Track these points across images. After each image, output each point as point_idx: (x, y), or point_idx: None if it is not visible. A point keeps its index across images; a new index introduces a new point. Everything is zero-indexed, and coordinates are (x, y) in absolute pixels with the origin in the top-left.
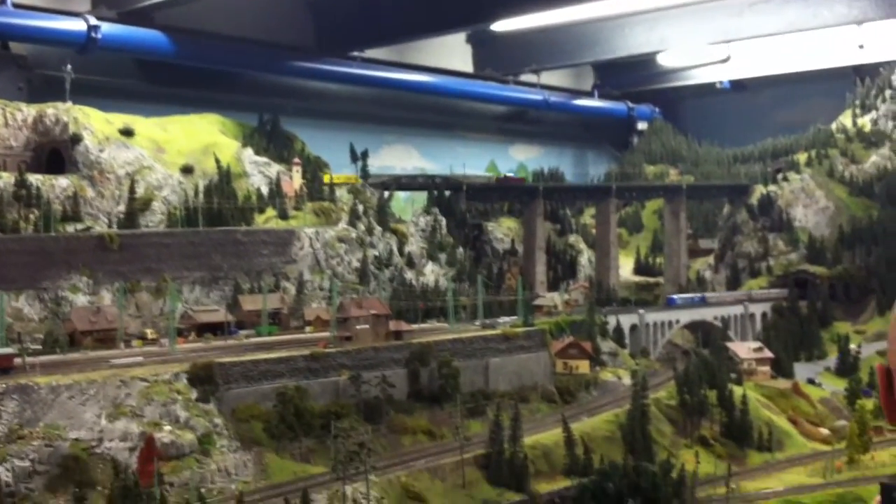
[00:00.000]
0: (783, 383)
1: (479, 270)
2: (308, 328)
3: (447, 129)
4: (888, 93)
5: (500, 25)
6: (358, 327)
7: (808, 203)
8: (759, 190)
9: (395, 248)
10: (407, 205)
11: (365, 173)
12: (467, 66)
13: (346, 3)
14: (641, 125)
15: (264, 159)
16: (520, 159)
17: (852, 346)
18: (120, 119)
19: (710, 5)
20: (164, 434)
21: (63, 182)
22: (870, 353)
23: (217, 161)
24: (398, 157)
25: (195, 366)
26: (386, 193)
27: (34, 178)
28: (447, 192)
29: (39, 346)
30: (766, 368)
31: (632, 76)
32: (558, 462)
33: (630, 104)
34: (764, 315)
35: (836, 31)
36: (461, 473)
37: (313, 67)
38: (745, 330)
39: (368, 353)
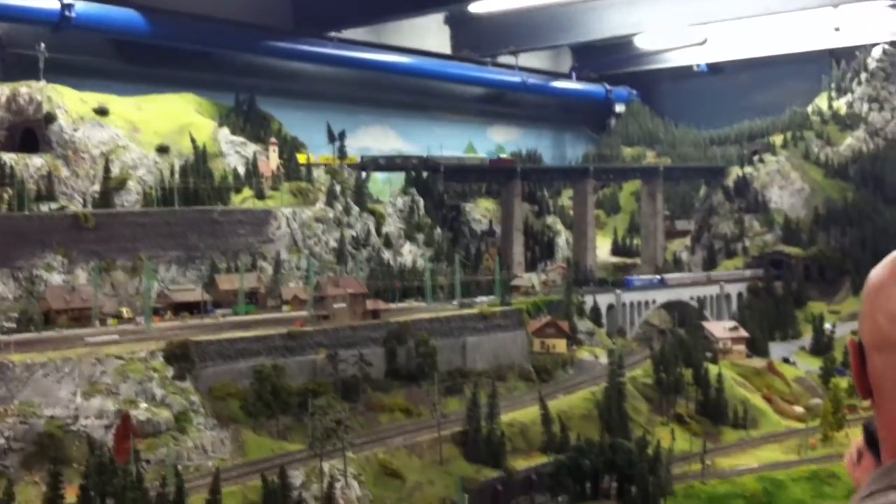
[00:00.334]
0: (758, 362)
1: (457, 251)
2: (285, 307)
3: (425, 111)
4: (863, 76)
5: (478, 6)
6: (335, 306)
7: (784, 185)
8: (736, 172)
9: (372, 229)
10: (385, 186)
11: (342, 154)
12: (445, 47)
13: None
14: (619, 107)
15: (240, 139)
16: (498, 141)
17: (827, 325)
18: (95, 98)
19: None
20: (140, 411)
21: (37, 161)
22: (844, 332)
23: (193, 141)
24: (375, 138)
25: (171, 344)
26: (363, 174)
27: (8, 158)
28: (425, 174)
29: (14, 325)
30: (742, 348)
31: (609, 59)
32: (535, 439)
33: (608, 87)
34: (740, 295)
35: (812, 13)
36: (438, 450)
37: (290, 48)
38: (721, 310)
39: (346, 332)
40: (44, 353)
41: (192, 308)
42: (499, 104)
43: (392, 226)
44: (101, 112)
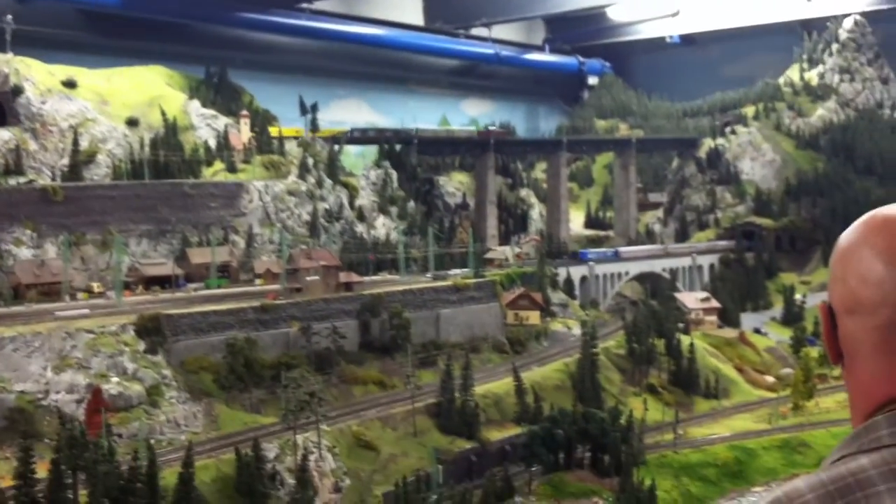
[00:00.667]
0: (730, 332)
1: (431, 224)
2: (258, 281)
3: (399, 83)
4: (835, 47)
5: None
6: (308, 279)
7: (756, 156)
8: (708, 143)
9: (345, 202)
10: (357, 159)
11: (314, 126)
12: (418, 18)
13: None
14: (592, 80)
15: (211, 112)
16: (472, 114)
17: (797, 296)
18: (63, 71)
19: None
20: (112, 385)
21: (4, 135)
22: (815, 302)
23: (163, 113)
24: (349, 111)
25: (142, 318)
26: (336, 147)
27: None
28: (398, 146)
29: None
30: (713, 318)
31: (582, 31)
32: (509, 410)
33: (581, 59)
34: (711, 266)
35: None
36: (412, 422)
37: (262, 19)
38: (693, 281)
39: (319, 305)
40: (13, 327)
41: (163, 282)
42: (472, 77)
43: (365, 199)
44: (70, 84)
